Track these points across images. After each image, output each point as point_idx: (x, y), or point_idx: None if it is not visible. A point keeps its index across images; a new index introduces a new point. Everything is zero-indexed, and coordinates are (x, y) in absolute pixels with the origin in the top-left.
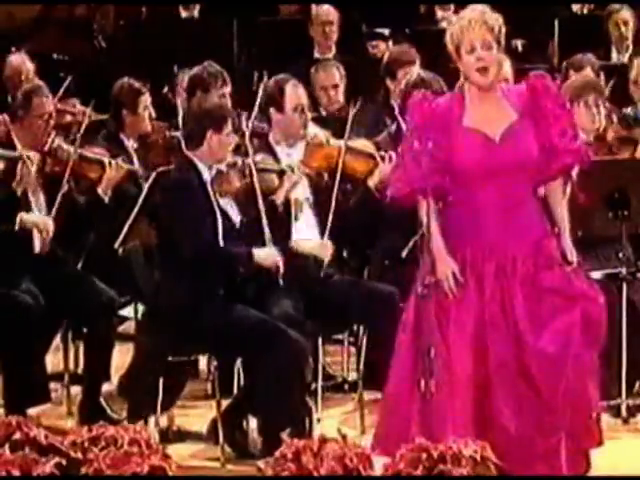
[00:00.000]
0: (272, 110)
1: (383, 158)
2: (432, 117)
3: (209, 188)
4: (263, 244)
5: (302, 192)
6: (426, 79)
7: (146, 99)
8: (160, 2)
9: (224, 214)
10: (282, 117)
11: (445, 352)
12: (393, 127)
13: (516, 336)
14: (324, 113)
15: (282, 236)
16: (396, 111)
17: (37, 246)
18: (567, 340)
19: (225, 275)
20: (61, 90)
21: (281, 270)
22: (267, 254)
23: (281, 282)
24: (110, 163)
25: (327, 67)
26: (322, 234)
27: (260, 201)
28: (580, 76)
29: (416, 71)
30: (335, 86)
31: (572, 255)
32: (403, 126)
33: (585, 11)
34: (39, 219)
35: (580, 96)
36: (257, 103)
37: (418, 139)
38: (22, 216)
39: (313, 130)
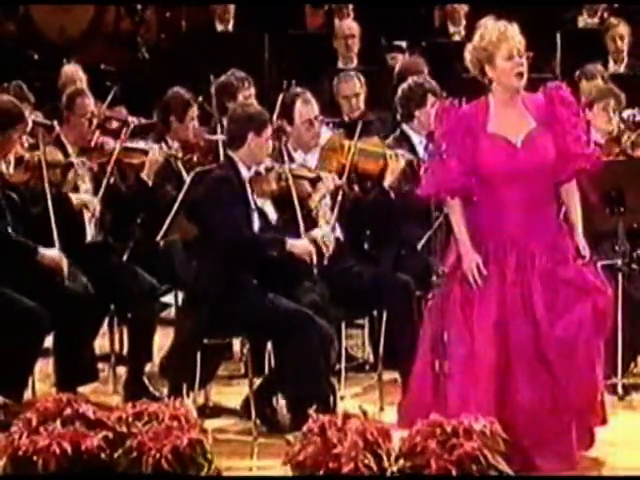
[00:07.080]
0: (285, 122)
1: (392, 156)
2: (458, 123)
3: (247, 186)
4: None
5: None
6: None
7: (194, 111)
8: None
9: (261, 212)
10: (293, 129)
11: (469, 338)
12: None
13: (534, 324)
14: (346, 119)
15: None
16: None
17: (89, 234)
18: (579, 328)
19: (258, 258)
20: (109, 97)
21: (314, 260)
22: (301, 244)
23: (315, 271)
24: (150, 149)
25: (348, 78)
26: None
27: (296, 202)
28: (600, 83)
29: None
30: (356, 95)
31: (585, 250)
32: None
33: (587, 23)
34: (87, 198)
35: (602, 99)
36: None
37: (446, 144)
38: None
39: (326, 134)
